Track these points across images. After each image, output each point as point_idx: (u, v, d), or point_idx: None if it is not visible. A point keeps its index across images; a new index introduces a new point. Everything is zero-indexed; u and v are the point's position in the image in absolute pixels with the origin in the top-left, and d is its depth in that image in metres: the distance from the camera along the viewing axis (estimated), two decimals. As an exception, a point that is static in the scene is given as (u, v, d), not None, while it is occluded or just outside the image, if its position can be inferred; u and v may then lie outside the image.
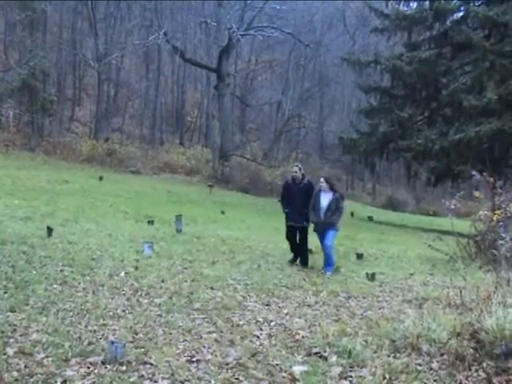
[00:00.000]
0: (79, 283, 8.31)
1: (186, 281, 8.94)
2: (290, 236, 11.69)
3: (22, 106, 35.04)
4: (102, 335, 6.24)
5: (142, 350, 5.81)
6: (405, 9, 31.50)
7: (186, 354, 5.77)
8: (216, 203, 25.85)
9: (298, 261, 11.63)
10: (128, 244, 12.04)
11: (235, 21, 38.98)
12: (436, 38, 29.39)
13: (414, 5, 31.56)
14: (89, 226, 14.17)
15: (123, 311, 7.13)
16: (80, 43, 44.97)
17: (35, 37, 36.90)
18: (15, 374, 5.11)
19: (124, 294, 7.89)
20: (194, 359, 5.66)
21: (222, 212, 21.74)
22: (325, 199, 10.92)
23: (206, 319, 7.03)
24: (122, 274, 9.16)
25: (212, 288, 8.60)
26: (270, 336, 6.51)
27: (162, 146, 45.23)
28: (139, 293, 8.06)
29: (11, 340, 5.90)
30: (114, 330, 6.46)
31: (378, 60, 30.08)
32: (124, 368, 5.32)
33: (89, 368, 5.33)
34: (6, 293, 7.50)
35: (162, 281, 8.84)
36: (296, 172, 11.49)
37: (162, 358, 5.57)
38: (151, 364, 5.45)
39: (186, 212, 18.17)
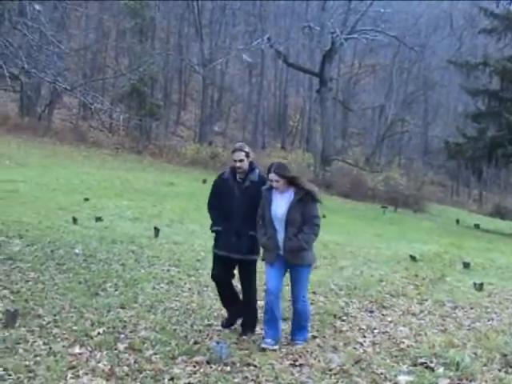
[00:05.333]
0: (185, 283, 8.52)
1: (287, 285, 8.94)
2: (218, 277, 6.70)
3: (131, 110, 36.32)
4: (207, 335, 6.38)
5: (246, 351, 5.89)
6: (517, 9, 30.29)
7: (289, 358, 5.79)
8: (317, 207, 25.74)
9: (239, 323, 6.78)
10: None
11: (338, 25, 38.75)
12: (550, 38, 28.07)
13: (527, 4, 30.29)
14: (193, 227, 14.49)
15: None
16: (186, 49, 46.15)
17: (144, 43, 38.20)
18: (126, 368, 5.32)
19: (228, 296, 8.00)
20: (298, 363, 5.67)
21: (323, 216, 21.56)
22: (281, 203, 6.14)
23: (309, 323, 7.02)
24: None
25: (314, 293, 8.58)
26: (373, 344, 6.42)
27: (263, 150, 45.60)
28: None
29: (122, 336, 6.15)
30: (219, 330, 6.58)
31: (487, 62, 28.99)
32: (228, 368, 5.41)
33: (194, 367, 5.47)
34: (116, 290, 7.82)
35: (265, 283, 8.91)
36: (241, 160, 6.45)
37: (265, 361, 5.62)
38: (255, 366, 5.51)
39: (287, 216, 18.22)
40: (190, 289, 8.31)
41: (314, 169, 39.38)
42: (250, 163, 6.55)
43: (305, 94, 51.81)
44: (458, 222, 29.12)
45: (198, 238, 12.77)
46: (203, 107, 42.59)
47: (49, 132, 35.09)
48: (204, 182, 28.62)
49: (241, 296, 6.83)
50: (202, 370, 5.39)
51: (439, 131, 52.54)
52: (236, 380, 5.23)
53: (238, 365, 5.53)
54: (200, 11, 41.76)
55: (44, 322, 6.33)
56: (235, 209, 6.39)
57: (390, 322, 7.40)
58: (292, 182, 6.14)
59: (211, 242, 12.25)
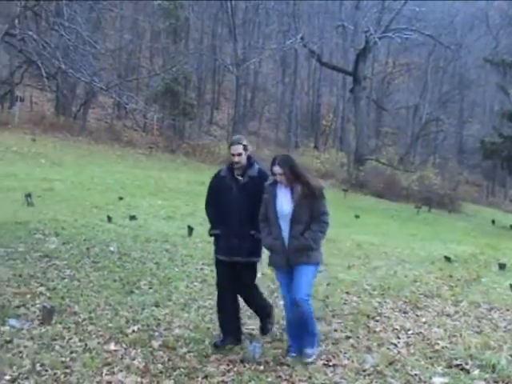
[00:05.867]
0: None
1: (321, 284, 8.91)
2: (223, 286, 6.18)
3: (164, 109, 36.59)
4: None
5: (280, 351, 5.88)
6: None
7: (322, 358, 5.76)
8: (350, 207, 25.63)
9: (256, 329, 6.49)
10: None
11: (372, 23, 38.51)
12: None
13: None
14: (226, 226, 14.49)
15: (261, 311, 7.24)
16: (219, 49, 46.33)
17: (178, 44, 38.44)
18: (160, 366, 5.39)
19: (261, 295, 8.00)
20: (331, 363, 5.65)
21: (357, 216, 21.51)
22: (287, 199, 5.62)
23: (342, 324, 7.00)
24: (259, 274, 9.29)
25: (347, 293, 8.54)
26: (407, 345, 6.36)
27: (296, 150, 45.51)
28: (275, 294, 8.14)
29: (156, 333, 6.22)
30: (252, 329, 6.59)
31: (524, 60, 28.57)
32: (262, 368, 5.43)
33: (228, 365, 5.51)
34: (150, 288, 7.91)
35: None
36: (239, 154, 5.98)
37: (298, 361, 5.61)
38: (288, 365, 5.52)
39: (320, 215, 18.16)
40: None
41: (347, 168, 39.24)
42: (249, 158, 6.05)
43: (338, 93, 51.56)
44: (493, 222, 28.70)
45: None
46: (236, 107, 42.64)
47: (84, 131, 35.52)
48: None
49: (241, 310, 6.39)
50: (235, 369, 5.42)
51: (475, 130, 51.88)
52: (269, 379, 5.23)
53: (271, 364, 5.54)
54: (233, 11, 41.83)
55: (80, 319, 6.44)
56: (234, 208, 5.87)
57: (425, 322, 7.32)
58: (297, 176, 5.57)
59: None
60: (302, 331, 5.71)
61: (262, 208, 5.71)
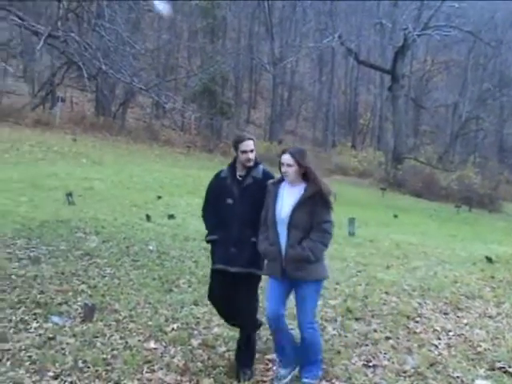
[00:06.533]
0: (256, 281, 8.55)
1: (360, 284, 8.86)
2: (216, 298, 5.57)
3: (202, 109, 36.82)
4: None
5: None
6: None
7: (362, 359, 5.74)
8: (388, 207, 25.44)
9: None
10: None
11: (411, 21, 38.14)
12: None
13: None
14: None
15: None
16: (256, 48, 46.43)
17: (216, 43, 38.63)
18: (199, 364, 5.42)
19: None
20: (371, 364, 5.62)
21: (395, 216, 21.33)
22: (288, 201, 5.00)
23: (382, 324, 6.94)
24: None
25: (387, 293, 8.44)
26: (449, 346, 6.28)
27: (333, 149, 45.37)
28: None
29: (195, 332, 6.25)
30: (292, 329, 6.56)
31: None
32: (301, 367, 5.40)
33: (267, 364, 5.51)
34: (189, 287, 7.95)
35: (337, 283, 8.83)
36: (252, 151, 5.25)
37: (338, 361, 5.59)
38: (326, 365, 5.48)
39: (357, 215, 18.05)
40: (260, 286, 8.31)
41: (385, 167, 38.96)
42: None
43: (376, 92, 51.28)
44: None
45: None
46: (273, 106, 42.72)
47: (123, 131, 35.95)
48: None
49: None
50: (274, 368, 5.42)
51: (516, 129, 51.02)
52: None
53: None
54: (270, 10, 41.89)
55: (120, 317, 6.50)
56: (234, 212, 5.24)
57: (466, 324, 7.21)
58: (306, 171, 4.94)
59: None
60: (303, 355, 5.21)
61: (264, 210, 5.14)
